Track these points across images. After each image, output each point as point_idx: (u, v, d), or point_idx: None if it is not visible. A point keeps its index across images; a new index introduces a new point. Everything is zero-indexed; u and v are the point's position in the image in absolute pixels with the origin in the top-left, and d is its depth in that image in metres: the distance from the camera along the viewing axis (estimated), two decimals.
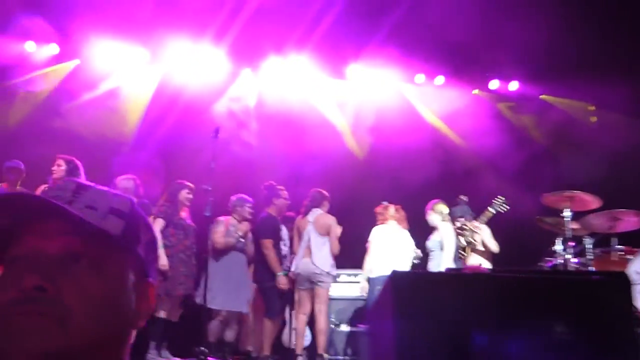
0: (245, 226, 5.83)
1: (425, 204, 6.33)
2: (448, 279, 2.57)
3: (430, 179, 7.38)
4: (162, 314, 5.36)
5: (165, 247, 5.41)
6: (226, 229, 5.76)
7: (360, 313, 6.80)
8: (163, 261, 5.27)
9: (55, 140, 6.51)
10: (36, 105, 7.19)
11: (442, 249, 5.89)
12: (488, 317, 2.43)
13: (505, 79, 7.91)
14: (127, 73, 7.45)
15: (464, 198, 5.96)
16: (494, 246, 5.87)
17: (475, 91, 8.12)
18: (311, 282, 5.78)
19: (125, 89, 7.48)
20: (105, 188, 0.84)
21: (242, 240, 5.81)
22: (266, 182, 6.16)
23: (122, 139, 7.32)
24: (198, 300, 5.47)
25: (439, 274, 2.71)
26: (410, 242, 6.04)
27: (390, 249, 5.94)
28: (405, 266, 5.89)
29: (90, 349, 0.74)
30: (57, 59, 7.28)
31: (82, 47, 7.20)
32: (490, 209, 5.70)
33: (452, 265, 5.79)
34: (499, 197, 5.72)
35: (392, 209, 6.15)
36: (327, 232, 5.84)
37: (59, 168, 5.16)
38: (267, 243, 5.79)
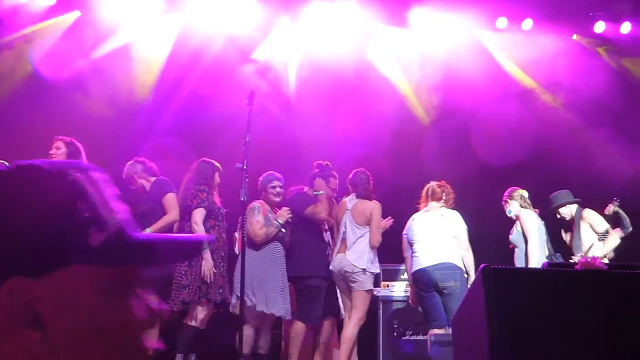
0: (286, 213, 5.85)
1: (510, 181, 6.27)
2: (555, 276, 2.53)
3: (515, 149, 7.29)
4: (192, 322, 5.49)
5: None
6: (264, 217, 5.82)
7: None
8: (208, 265, 5.39)
9: (51, 114, 6.69)
10: (28, 69, 7.35)
11: (526, 242, 5.91)
12: (605, 323, 2.40)
13: (615, 19, 7.63)
14: (137, 26, 7.52)
15: None
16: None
17: (575, 36, 7.88)
18: (346, 282, 5.87)
19: (136, 47, 7.57)
20: None
21: (284, 230, 5.85)
22: (321, 161, 6.16)
23: (133, 109, 7.44)
24: (233, 304, 5.58)
25: (544, 270, 2.68)
26: (456, 222, 5.93)
27: (426, 237, 5.94)
28: (450, 255, 5.86)
29: None
30: (53, 11, 7.40)
31: None
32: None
33: (543, 259, 5.78)
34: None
35: (432, 186, 6.11)
36: (366, 222, 5.88)
37: (58, 151, 5.30)
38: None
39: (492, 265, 2.49)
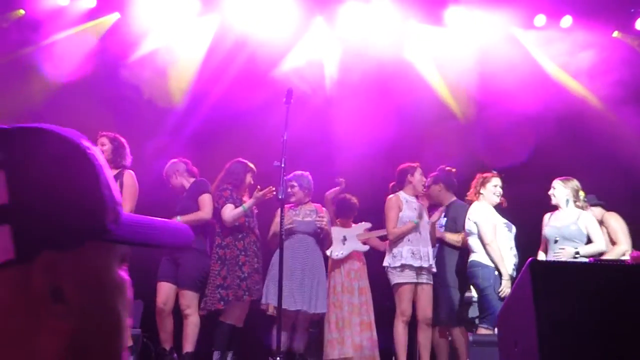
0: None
1: (548, 177, 6.15)
2: (605, 270, 2.50)
3: (552, 149, 7.19)
4: (228, 320, 5.53)
5: (237, 239, 5.57)
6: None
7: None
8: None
9: (92, 113, 6.79)
10: (70, 70, 7.46)
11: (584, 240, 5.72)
12: None
13: None
14: (174, 28, 7.62)
15: None
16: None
17: (616, 33, 7.75)
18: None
19: (174, 47, 7.66)
20: None
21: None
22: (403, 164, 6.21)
23: (172, 107, 7.54)
24: (271, 301, 5.60)
25: (594, 265, 2.65)
26: (472, 216, 5.89)
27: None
28: (475, 253, 5.89)
29: None
30: (94, 13, 7.52)
31: None
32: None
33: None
34: None
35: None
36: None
37: (103, 147, 5.40)
38: None
39: (540, 260, 2.46)
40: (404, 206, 5.94)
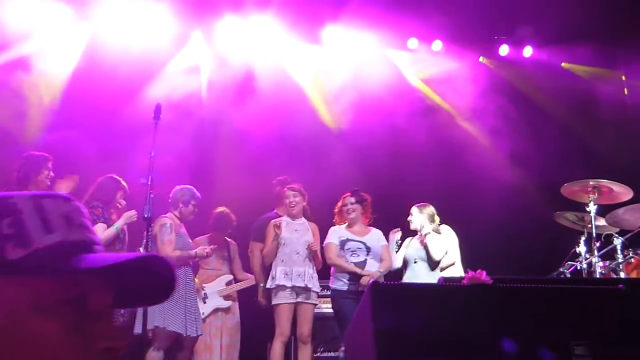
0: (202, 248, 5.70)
1: (418, 194, 6.31)
2: (440, 291, 2.57)
3: (421, 164, 7.44)
4: None
5: None
6: (177, 234, 5.62)
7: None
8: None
9: None
10: None
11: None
12: (491, 337, 2.43)
13: (518, 43, 7.95)
14: (43, 36, 7.21)
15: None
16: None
17: (481, 58, 8.15)
18: None
19: (41, 57, 7.24)
20: None
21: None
22: (280, 177, 6.22)
23: (35, 125, 7.12)
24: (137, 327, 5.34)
25: (430, 285, 2.72)
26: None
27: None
28: None
29: None
30: None
31: None
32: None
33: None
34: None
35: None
36: None
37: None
38: (253, 246, 6.15)
39: (381, 282, 2.50)
40: (283, 227, 5.93)
